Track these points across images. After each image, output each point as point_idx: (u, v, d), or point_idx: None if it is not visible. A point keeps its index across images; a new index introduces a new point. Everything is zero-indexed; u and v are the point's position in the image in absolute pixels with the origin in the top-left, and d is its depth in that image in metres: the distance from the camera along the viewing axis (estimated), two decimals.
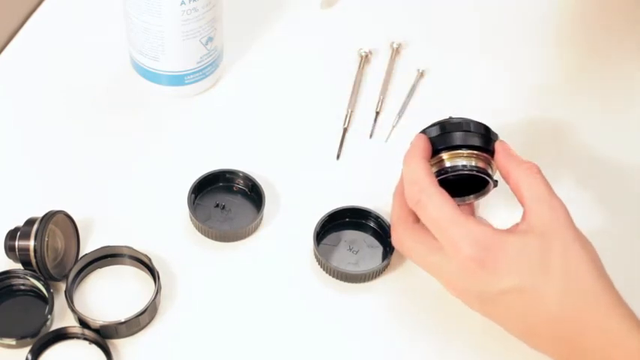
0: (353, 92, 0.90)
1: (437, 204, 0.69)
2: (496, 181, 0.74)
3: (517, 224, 0.69)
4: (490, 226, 0.69)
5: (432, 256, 0.70)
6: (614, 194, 0.84)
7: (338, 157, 0.86)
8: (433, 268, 0.70)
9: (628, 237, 0.81)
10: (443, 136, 0.73)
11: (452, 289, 0.70)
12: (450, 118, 0.74)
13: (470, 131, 0.73)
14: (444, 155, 0.73)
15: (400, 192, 0.75)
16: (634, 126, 0.89)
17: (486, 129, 0.74)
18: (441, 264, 0.69)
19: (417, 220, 0.73)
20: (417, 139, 0.74)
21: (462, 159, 0.73)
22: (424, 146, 0.73)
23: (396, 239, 0.73)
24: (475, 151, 0.73)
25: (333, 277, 0.78)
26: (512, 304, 0.66)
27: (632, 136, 0.88)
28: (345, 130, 0.87)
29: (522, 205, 0.70)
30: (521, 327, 0.67)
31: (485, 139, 0.73)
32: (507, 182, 0.72)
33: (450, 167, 0.73)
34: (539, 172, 0.71)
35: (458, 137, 0.73)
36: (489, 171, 0.73)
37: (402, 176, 0.75)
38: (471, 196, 0.76)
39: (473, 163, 0.73)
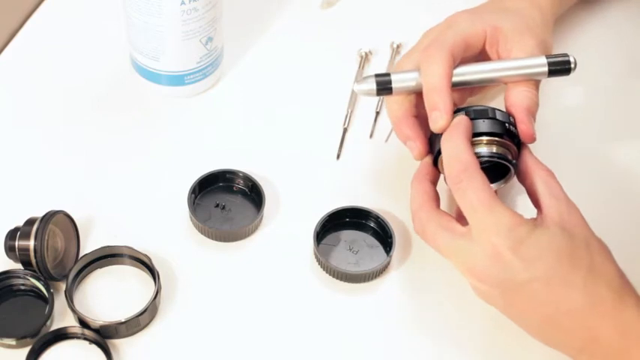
0: (353, 92, 0.90)
1: (478, 187, 0.68)
2: (515, 164, 0.73)
3: (534, 219, 0.69)
4: (521, 215, 0.69)
5: (456, 240, 0.69)
6: (616, 195, 0.84)
7: (338, 157, 0.86)
8: (457, 253, 0.69)
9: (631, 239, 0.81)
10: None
11: (473, 275, 0.68)
12: (471, 106, 0.74)
13: (494, 119, 0.73)
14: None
15: (420, 178, 0.74)
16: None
17: (509, 116, 0.74)
18: (467, 249, 0.68)
19: (438, 205, 0.73)
20: (458, 118, 0.72)
21: (482, 146, 0.72)
22: (466, 125, 0.72)
23: (418, 226, 0.72)
24: (497, 138, 0.72)
25: (333, 277, 0.78)
26: (536, 294, 0.66)
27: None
28: (345, 130, 0.87)
29: (538, 201, 0.70)
30: (540, 317, 0.67)
31: (508, 127, 0.73)
32: (523, 180, 0.73)
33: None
34: (555, 177, 0.72)
35: (481, 125, 0.72)
36: (509, 157, 0.73)
37: (423, 164, 0.75)
38: (493, 184, 0.75)
39: (494, 150, 0.72)
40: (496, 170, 0.74)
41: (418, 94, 0.76)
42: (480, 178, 0.69)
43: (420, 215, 0.72)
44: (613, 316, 0.66)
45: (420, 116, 0.77)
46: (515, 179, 0.75)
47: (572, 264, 0.66)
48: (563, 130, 0.87)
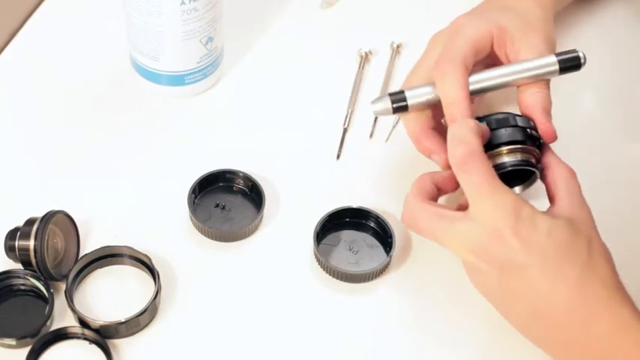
0: (353, 92, 0.90)
1: (483, 170, 0.68)
2: (541, 168, 0.73)
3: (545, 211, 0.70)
4: (526, 200, 0.69)
5: (455, 224, 0.69)
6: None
7: (338, 157, 0.86)
8: (456, 236, 0.69)
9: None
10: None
11: (473, 253, 0.68)
12: (490, 114, 0.74)
13: (516, 126, 0.73)
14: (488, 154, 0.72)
15: (425, 178, 0.74)
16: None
17: (528, 120, 0.74)
18: (466, 229, 0.68)
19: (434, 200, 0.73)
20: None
21: (507, 156, 0.72)
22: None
23: (408, 215, 0.72)
24: (521, 145, 0.72)
25: (333, 277, 0.78)
26: (530, 279, 0.66)
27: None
28: (345, 130, 0.87)
29: (554, 195, 0.71)
30: (530, 306, 0.67)
31: (530, 132, 0.73)
32: (544, 177, 0.73)
33: (494, 166, 0.72)
34: (576, 176, 0.72)
35: (503, 135, 0.72)
36: (534, 161, 0.73)
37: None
38: (517, 188, 0.75)
39: (519, 158, 0.72)
40: (518, 174, 0.74)
41: (433, 107, 0.76)
42: (485, 161, 0.69)
43: (413, 204, 0.72)
44: (606, 314, 0.66)
45: (439, 127, 0.77)
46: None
47: (570, 257, 0.67)
48: (565, 130, 0.87)
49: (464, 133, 0.70)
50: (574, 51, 0.75)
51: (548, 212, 0.69)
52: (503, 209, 0.67)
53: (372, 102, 0.76)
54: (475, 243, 0.68)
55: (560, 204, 0.70)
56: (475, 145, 0.69)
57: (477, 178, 0.68)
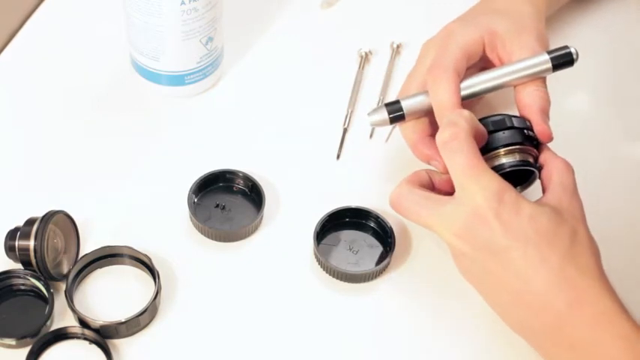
0: (353, 92, 0.90)
1: (468, 152, 0.69)
2: (539, 167, 0.73)
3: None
4: (511, 185, 0.69)
5: (441, 207, 0.69)
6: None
7: (338, 157, 0.86)
8: (442, 218, 0.69)
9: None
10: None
11: (458, 236, 0.68)
12: (486, 117, 0.74)
13: (513, 127, 0.73)
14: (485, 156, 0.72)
15: (422, 172, 0.75)
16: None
17: (524, 121, 0.74)
18: (451, 211, 0.69)
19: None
20: None
21: (505, 157, 0.72)
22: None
23: (395, 197, 0.72)
24: (519, 146, 0.72)
25: (333, 277, 0.78)
26: (512, 263, 0.67)
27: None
28: (345, 130, 0.87)
29: (546, 186, 0.71)
30: (513, 291, 0.67)
31: (527, 133, 0.73)
32: (540, 171, 0.73)
33: (493, 168, 0.72)
34: (572, 170, 0.72)
35: (501, 137, 0.72)
36: (532, 161, 0.73)
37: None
38: (517, 187, 0.75)
39: (517, 158, 0.72)
40: (518, 175, 0.74)
41: (430, 114, 0.76)
42: (472, 144, 0.69)
43: (403, 187, 0.72)
44: (586, 303, 0.66)
45: (436, 133, 0.77)
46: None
47: (551, 243, 0.67)
48: (561, 129, 0.87)
49: (455, 118, 0.70)
50: (566, 47, 0.75)
51: (535, 201, 0.69)
52: (487, 191, 0.67)
53: (369, 114, 0.77)
54: (459, 225, 0.68)
55: (550, 194, 0.70)
56: (463, 127, 0.70)
57: (463, 160, 0.69)
